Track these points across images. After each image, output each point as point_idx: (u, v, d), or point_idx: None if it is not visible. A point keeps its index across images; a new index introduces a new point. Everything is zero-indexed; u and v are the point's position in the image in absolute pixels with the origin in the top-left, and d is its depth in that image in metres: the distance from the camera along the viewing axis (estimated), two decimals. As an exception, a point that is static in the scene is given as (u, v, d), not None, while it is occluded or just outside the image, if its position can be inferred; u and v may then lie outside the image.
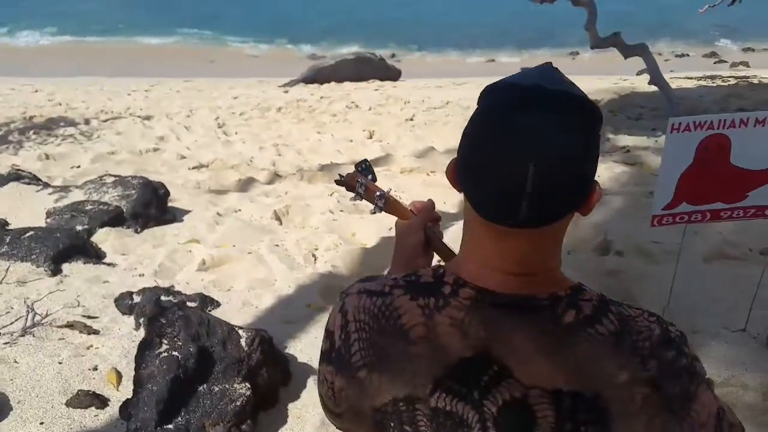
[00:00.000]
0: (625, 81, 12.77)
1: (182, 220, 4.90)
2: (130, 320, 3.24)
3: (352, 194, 1.74)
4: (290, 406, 2.71)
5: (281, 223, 4.85)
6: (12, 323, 3.14)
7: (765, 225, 4.39)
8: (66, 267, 3.84)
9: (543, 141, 1.01)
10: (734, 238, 4.29)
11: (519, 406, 1.07)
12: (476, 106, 1.09)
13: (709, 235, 4.27)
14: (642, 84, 11.87)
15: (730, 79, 12.38)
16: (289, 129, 8.99)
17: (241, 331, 2.47)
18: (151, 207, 4.71)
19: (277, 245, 4.25)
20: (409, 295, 1.14)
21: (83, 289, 3.58)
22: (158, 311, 2.75)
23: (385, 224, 4.71)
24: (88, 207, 4.45)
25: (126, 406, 2.31)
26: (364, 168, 1.84)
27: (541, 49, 19.66)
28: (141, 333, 3.09)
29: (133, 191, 4.71)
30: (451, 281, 1.13)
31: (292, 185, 5.99)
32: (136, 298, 3.32)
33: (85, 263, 3.90)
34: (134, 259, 4.08)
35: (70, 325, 3.18)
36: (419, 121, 9.14)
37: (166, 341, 2.31)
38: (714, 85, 11.47)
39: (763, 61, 16.85)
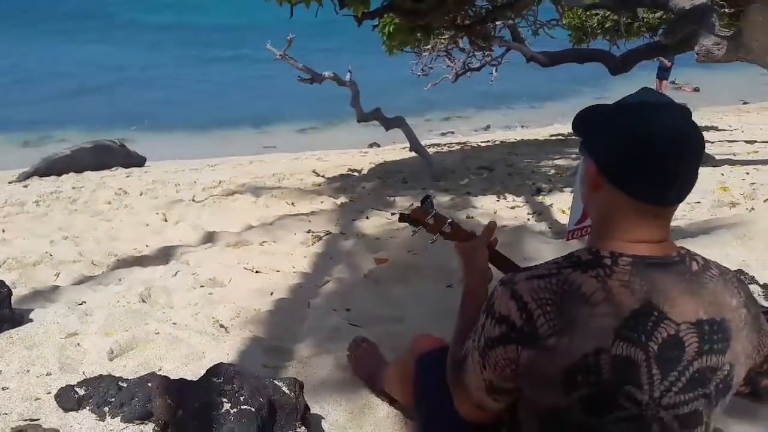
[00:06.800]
0: (365, 155, 14.27)
1: (32, 320, 4.41)
2: (84, 413, 2.95)
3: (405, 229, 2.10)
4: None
5: (152, 306, 4.67)
6: (-59, 447, 2.69)
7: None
8: (-55, 384, 3.29)
9: (684, 138, 1.37)
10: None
11: (673, 340, 1.36)
12: (609, 125, 1.43)
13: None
14: (385, 155, 13.47)
15: (453, 144, 14.72)
16: (68, 221, 8.24)
17: (276, 382, 2.61)
18: (2, 307, 4.21)
19: (175, 323, 4.14)
20: (580, 270, 1.42)
21: (-9, 400, 3.13)
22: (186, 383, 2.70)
23: (265, 288, 4.87)
24: (-68, 317, 3.83)
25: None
26: (429, 203, 2.25)
27: (275, 125, 20.66)
28: (111, 422, 2.89)
29: (-23, 293, 4.16)
30: (608, 254, 1.43)
31: (126, 272, 5.67)
32: (81, 391, 3.07)
33: (-35, 376, 3.39)
34: (17, 363, 3.59)
35: (21, 431, 2.82)
36: (206, 201, 9.17)
37: (226, 399, 2.37)
38: (446, 150, 13.56)
39: (464, 127, 20.21)
